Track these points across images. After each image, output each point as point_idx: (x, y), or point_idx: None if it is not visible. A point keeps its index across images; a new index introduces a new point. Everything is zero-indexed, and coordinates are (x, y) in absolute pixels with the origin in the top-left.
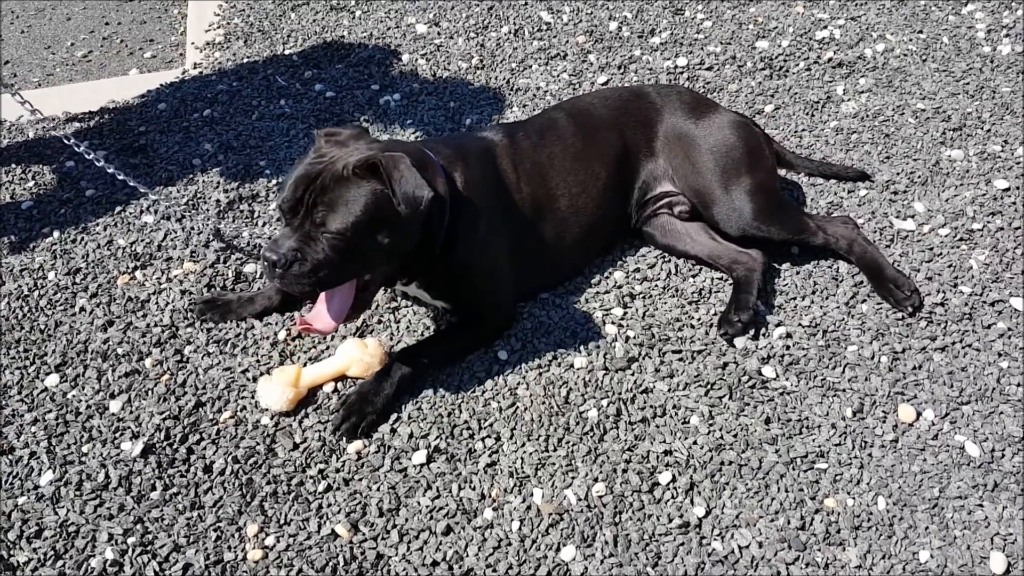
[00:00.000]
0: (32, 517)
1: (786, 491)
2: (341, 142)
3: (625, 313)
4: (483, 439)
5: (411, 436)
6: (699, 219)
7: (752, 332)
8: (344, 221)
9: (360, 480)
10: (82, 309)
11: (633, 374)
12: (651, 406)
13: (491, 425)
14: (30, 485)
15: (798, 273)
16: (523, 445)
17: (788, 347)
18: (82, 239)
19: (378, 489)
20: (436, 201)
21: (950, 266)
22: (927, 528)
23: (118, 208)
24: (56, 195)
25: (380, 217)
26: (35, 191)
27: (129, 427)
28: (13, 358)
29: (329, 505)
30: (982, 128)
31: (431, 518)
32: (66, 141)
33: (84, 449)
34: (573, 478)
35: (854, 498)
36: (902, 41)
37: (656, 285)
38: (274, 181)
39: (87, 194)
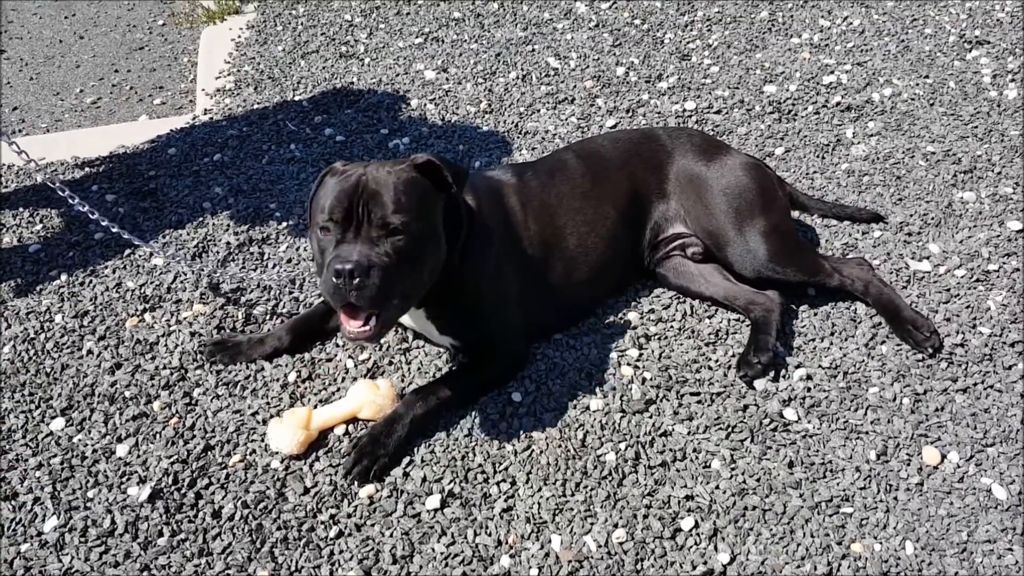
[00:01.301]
0: (35, 565)
1: (812, 536)
2: (354, 163)
3: (641, 354)
4: (498, 483)
5: (424, 480)
6: (713, 260)
7: (772, 374)
8: (406, 214)
9: (372, 526)
10: (89, 352)
11: (651, 416)
12: (670, 449)
13: (506, 469)
14: (33, 531)
15: (816, 315)
16: (540, 490)
17: (809, 389)
18: (90, 282)
19: (391, 535)
20: (455, 208)
21: (968, 307)
22: (957, 573)
23: (127, 251)
24: (64, 238)
25: (427, 207)
26: (42, 234)
27: (136, 472)
28: (18, 402)
29: (341, 552)
30: (992, 171)
31: (446, 565)
32: (60, 192)
33: (89, 494)
34: (592, 524)
35: (881, 543)
36: (909, 86)
37: (671, 326)
38: (284, 224)
39: (95, 237)
